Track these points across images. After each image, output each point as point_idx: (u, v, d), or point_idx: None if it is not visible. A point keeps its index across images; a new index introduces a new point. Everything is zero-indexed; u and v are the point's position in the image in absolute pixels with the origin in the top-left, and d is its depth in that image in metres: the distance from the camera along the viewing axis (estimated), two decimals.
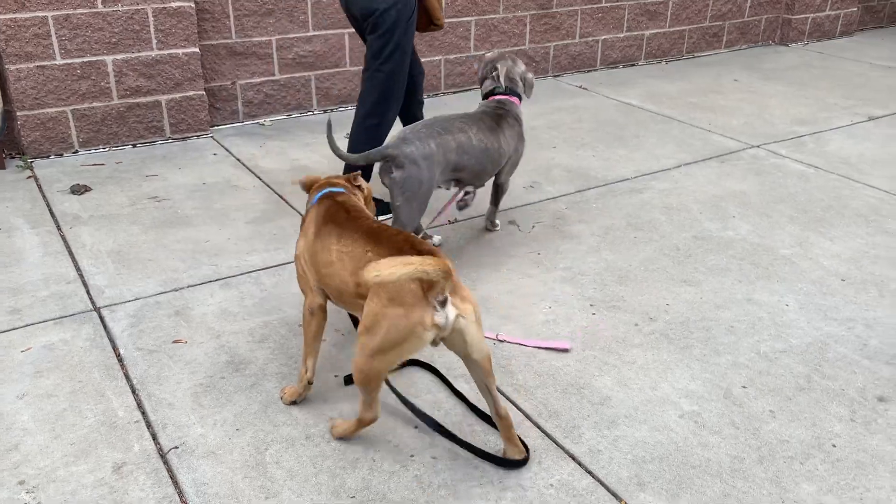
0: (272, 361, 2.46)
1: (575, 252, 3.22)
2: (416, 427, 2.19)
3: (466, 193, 3.24)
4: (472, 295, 1.92)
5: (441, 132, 2.84)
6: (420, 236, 2.85)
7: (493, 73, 3.22)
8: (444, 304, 1.81)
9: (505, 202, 3.54)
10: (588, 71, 6.02)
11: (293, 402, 2.27)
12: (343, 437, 2.14)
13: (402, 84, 3.33)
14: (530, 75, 3.29)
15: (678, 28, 6.36)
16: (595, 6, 5.82)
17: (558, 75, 5.84)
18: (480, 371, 1.96)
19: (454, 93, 5.43)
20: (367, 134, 3.31)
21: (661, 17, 6.22)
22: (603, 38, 5.99)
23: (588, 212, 3.58)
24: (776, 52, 6.75)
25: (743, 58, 6.55)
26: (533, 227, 3.46)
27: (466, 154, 2.90)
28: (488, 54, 3.33)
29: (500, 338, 2.60)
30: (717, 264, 3.12)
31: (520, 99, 3.21)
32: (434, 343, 1.87)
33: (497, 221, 3.42)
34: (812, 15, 6.98)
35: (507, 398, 2.32)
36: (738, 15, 6.68)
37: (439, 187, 2.98)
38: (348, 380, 2.36)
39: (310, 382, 2.24)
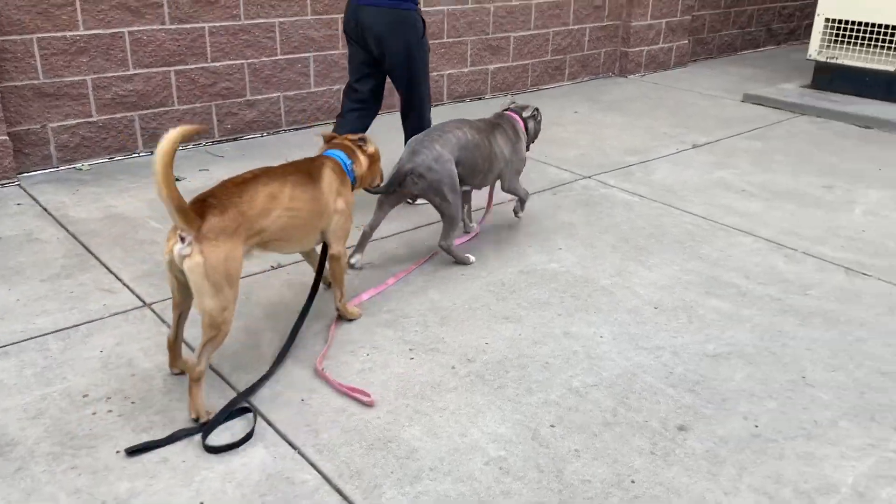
0: (45, 440, 2.21)
1: (401, 293, 3.14)
2: None
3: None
4: (222, 257, 2.20)
5: (441, 133, 3.26)
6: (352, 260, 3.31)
7: (510, 101, 3.82)
8: (182, 240, 2.19)
9: None
10: (435, 105, 6.02)
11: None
12: None
13: (427, 104, 3.95)
14: (539, 118, 3.77)
15: (521, 62, 6.53)
16: (438, 41, 5.87)
17: None
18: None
19: (295, 129, 5.29)
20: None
21: (503, 51, 6.36)
22: (448, 72, 6.05)
23: (419, 250, 3.52)
24: (616, 84, 7.06)
25: (585, 90, 6.80)
26: (362, 268, 3.36)
27: (464, 149, 3.28)
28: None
29: (321, 373, 2.56)
30: (538, 298, 3.12)
31: (524, 121, 3.64)
32: (180, 275, 2.25)
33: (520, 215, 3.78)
34: (647, 48, 7.37)
35: (309, 461, 2.18)
36: (578, 49, 6.94)
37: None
38: (130, 451, 2.16)
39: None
